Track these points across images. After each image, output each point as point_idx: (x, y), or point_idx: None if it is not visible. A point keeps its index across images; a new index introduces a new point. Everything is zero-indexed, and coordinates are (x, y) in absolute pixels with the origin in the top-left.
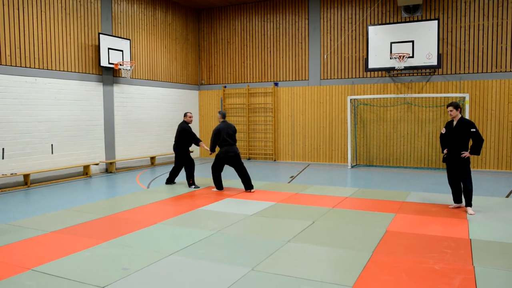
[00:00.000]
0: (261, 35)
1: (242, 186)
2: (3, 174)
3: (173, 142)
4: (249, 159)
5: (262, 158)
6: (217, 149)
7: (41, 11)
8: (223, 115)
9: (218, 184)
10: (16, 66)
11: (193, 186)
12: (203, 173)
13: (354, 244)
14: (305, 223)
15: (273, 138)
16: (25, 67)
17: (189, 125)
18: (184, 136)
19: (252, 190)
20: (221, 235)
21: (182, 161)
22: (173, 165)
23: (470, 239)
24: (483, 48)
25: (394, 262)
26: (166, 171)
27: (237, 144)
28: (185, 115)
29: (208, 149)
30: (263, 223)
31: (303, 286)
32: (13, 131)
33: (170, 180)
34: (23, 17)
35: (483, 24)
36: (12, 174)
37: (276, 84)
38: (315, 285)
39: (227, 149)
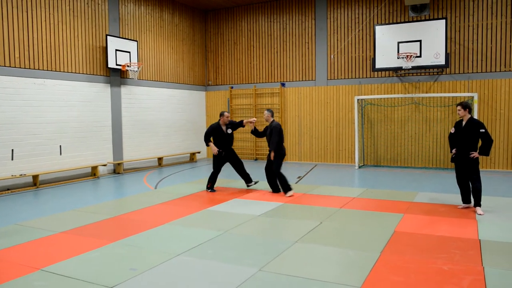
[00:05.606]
0: (267, 35)
1: (252, 187)
2: (12, 175)
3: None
4: (256, 159)
5: None
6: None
7: (49, 13)
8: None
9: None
10: (25, 68)
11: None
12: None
13: (362, 244)
14: (313, 224)
15: None
16: (34, 69)
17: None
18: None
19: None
20: (229, 236)
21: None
22: (211, 168)
23: (480, 240)
24: (491, 47)
25: (403, 263)
26: (173, 172)
27: (244, 144)
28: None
29: (216, 149)
30: (270, 223)
31: (311, 287)
32: (22, 132)
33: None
34: (31, 20)
35: (491, 23)
36: (21, 175)
37: (283, 84)
38: (323, 286)
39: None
